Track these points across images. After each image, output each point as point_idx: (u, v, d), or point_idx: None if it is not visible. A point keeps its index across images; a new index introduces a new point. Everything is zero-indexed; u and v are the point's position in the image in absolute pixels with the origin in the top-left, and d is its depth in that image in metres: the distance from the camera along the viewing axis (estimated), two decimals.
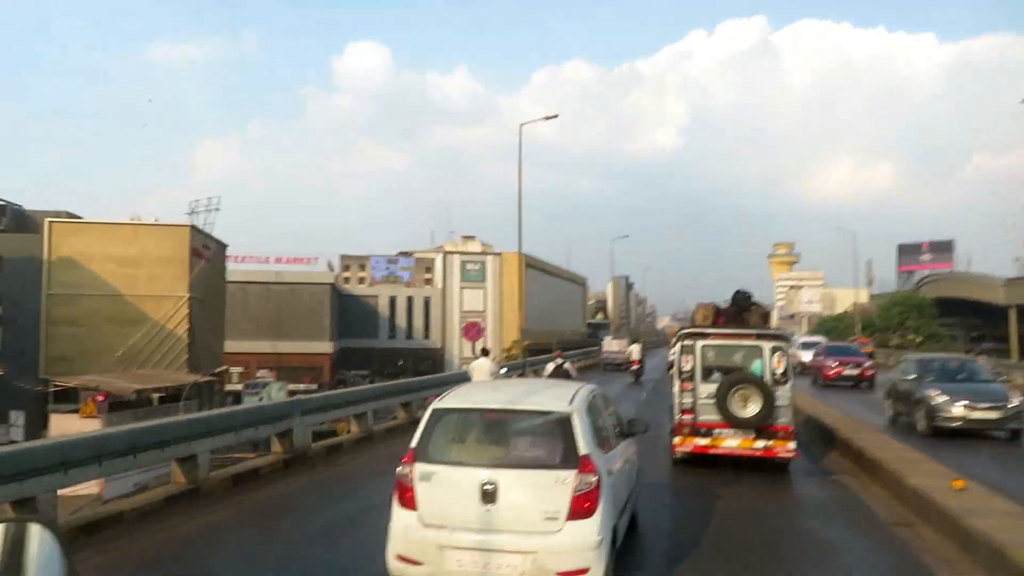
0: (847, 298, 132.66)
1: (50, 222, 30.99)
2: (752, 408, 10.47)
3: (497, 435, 5.84)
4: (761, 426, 10.57)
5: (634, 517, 7.27)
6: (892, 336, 69.24)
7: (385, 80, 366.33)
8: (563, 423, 5.57)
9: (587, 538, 5.20)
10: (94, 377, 22.75)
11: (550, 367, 16.52)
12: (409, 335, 75.03)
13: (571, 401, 5.84)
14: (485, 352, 15.33)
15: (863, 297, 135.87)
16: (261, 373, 42.53)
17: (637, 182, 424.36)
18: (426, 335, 74.96)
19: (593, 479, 5.30)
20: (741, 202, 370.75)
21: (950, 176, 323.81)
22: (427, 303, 75.40)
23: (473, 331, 26.98)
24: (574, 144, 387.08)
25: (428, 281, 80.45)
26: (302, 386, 54.38)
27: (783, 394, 10.66)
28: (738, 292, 12.18)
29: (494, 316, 76.54)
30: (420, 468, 5.46)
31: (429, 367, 59.48)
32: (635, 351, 30.78)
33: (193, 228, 32.55)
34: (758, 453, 10.70)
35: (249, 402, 29.72)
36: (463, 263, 77.40)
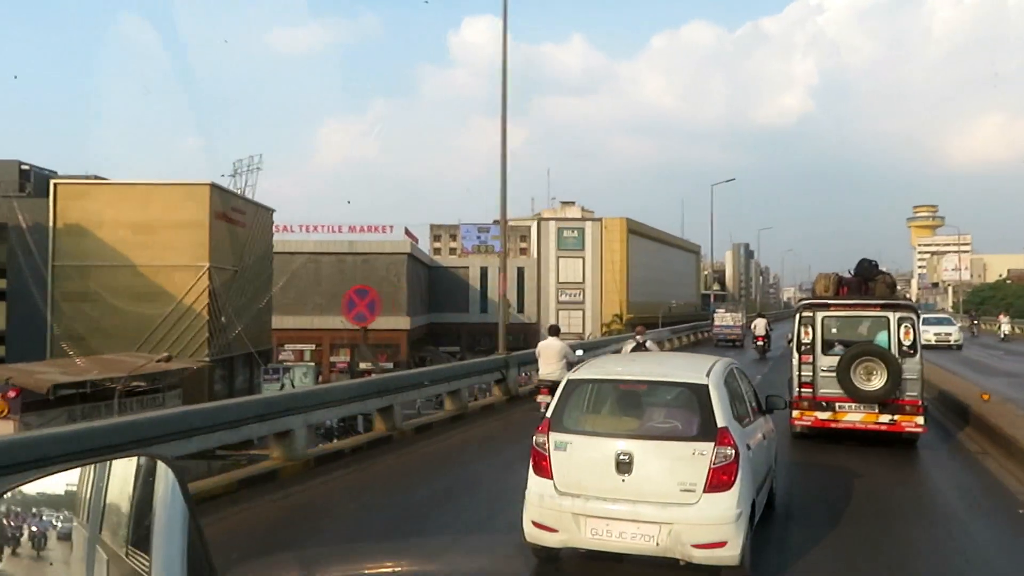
0: (1000, 264, 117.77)
1: (55, 184, 27.40)
2: (876, 381, 10.20)
3: (632, 406, 5.89)
4: (886, 400, 10.23)
5: (771, 495, 6.88)
6: None
7: (500, 53, 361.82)
8: (700, 395, 5.53)
9: (725, 511, 5.10)
10: (10, 366, 18.56)
11: (629, 345, 14.39)
12: None
13: (708, 373, 5.78)
14: (555, 331, 13.43)
15: (1022, 263, 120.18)
16: (284, 355, 37.65)
17: (764, 149, 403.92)
18: (520, 309, 69.69)
19: (731, 452, 5.22)
20: (878, 165, 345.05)
21: None
22: (520, 274, 69.98)
23: (361, 306, 15.00)
24: (695, 112, 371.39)
25: (524, 251, 75.04)
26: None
27: (911, 367, 10.33)
28: (863, 261, 11.73)
29: (593, 287, 70.25)
30: (555, 437, 5.50)
31: (522, 343, 53.86)
32: (760, 326, 28.09)
33: (214, 187, 28.07)
34: (883, 428, 10.38)
35: (268, 390, 25.17)
36: (559, 230, 71.31)
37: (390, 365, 51.20)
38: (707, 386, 5.51)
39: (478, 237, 72.41)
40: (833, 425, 10.54)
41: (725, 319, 37.29)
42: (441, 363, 35.34)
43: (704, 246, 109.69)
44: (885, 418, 10.26)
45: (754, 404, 6.67)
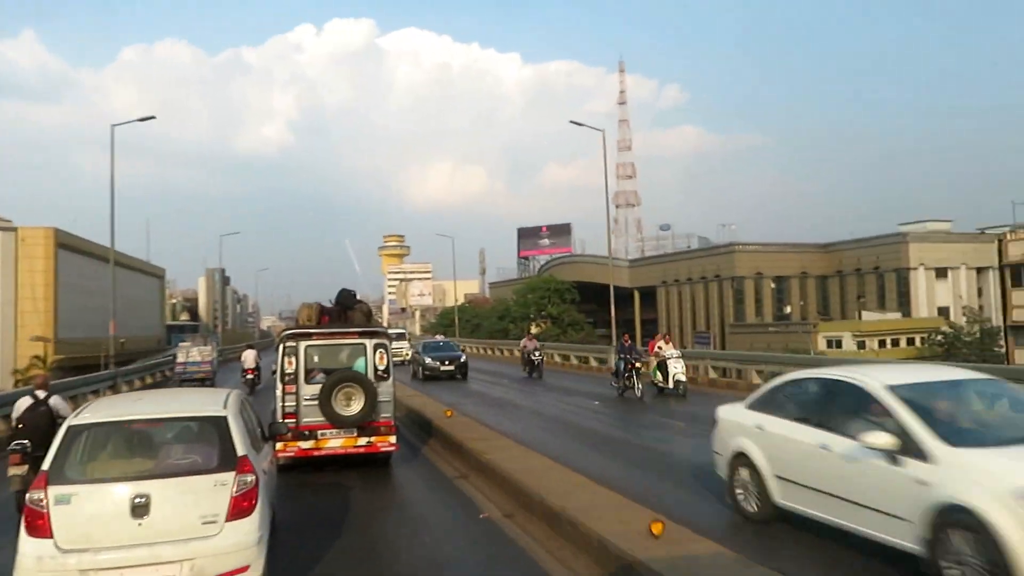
0: (456, 289, 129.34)
1: None
2: (356, 405, 10.61)
3: (146, 446, 5.69)
4: (364, 423, 10.68)
5: (273, 518, 6.64)
6: (530, 325, 61.98)
7: None
8: (220, 426, 5.54)
9: (247, 536, 5.21)
10: None
11: (24, 404, 9.42)
12: None
13: (225, 405, 5.85)
14: None
15: (475, 288, 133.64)
16: None
17: (245, 177, 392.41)
18: None
19: (252, 478, 5.34)
20: (354, 198, 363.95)
21: (530, 181, 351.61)
22: None
23: None
24: (173, 133, 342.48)
25: None
26: None
27: (385, 390, 10.90)
28: (343, 291, 12.16)
29: (4, 321, 51.63)
30: (55, 491, 5.08)
31: None
32: (249, 358, 26.69)
33: None
34: (362, 450, 10.83)
35: None
36: None
37: None
38: (226, 417, 5.56)
39: None
40: (316, 453, 10.70)
41: (192, 354, 31.52)
42: None
43: (184, 275, 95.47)
44: (363, 440, 10.77)
45: (259, 432, 6.75)
